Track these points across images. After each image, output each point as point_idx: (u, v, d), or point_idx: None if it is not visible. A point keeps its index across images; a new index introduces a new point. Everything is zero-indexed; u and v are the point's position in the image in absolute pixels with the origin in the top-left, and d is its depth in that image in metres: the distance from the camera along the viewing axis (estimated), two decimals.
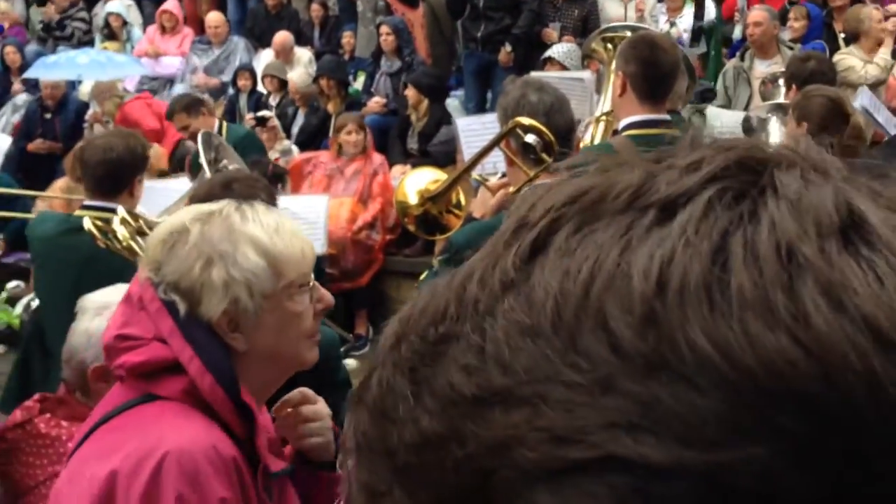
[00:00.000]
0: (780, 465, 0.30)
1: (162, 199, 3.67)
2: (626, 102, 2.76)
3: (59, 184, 6.05)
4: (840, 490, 0.30)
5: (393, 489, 0.34)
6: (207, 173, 3.46)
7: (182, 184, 3.97)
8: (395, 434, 0.34)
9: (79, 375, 1.91)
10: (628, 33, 3.54)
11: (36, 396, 1.98)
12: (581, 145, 3.14)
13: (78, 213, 3.06)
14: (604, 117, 3.34)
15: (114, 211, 2.83)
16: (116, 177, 2.95)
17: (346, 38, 8.04)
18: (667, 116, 2.95)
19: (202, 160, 3.46)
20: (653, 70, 2.73)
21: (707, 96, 5.59)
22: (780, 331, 0.30)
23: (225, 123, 5.23)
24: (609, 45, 3.43)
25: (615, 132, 2.94)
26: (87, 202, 3.03)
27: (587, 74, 4.28)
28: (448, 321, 0.35)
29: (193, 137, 4.81)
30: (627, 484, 0.30)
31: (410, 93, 6.64)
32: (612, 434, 0.30)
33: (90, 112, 7.38)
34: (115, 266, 2.72)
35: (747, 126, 3.78)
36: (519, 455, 0.31)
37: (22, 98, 8.03)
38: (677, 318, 0.31)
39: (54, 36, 8.75)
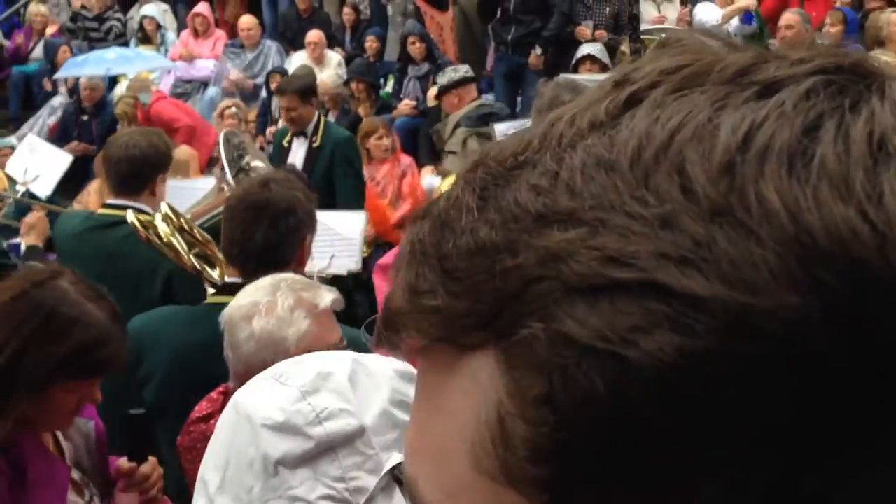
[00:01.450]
0: (813, 317, 0.30)
1: (188, 197, 3.71)
2: None
3: (94, 185, 6.15)
4: (864, 355, 0.31)
5: (436, 289, 0.35)
6: (228, 172, 3.49)
7: (207, 182, 4.01)
8: (451, 241, 0.35)
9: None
10: (650, 35, 3.54)
11: (220, 388, 1.91)
12: None
13: (101, 211, 3.07)
14: None
15: (137, 210, 2.83)
16: (139, 175, 2.93)
17: (370, 41, 8.10)
18: None
19: (223, 159, 3.49)
20: None
21: (488, 119, 5.21)
22: (851, 203, 0.31)
23: (323, 119, 5.16)
24: (637, 47, 3.44)
25: None
26: (110, 200, 3.03)
27: None
28: (529, 151, 0.36)
29: (295, 122, 4.83)
30: (662, 310, 0.31)
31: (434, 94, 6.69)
32: (660, 263, 0.31)
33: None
34: (137, 263, 2.77)
35: None
36: (566, 267, 0.32)
37: (59, 100, 8.16)
38: (753, 172, 0.32)
39: (90, 38, 8.88)
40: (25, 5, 9.14)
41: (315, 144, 4.84)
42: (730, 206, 0.32)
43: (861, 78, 0.35)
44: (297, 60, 8.00)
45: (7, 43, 9.04)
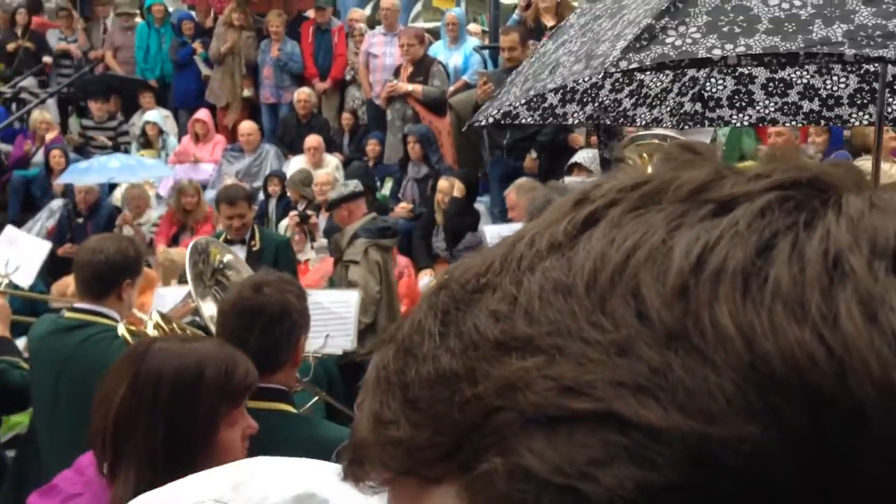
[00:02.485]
0: (773, 450, 0.30)
1: (171, 303, 3.68)
2: None
3: (71, 286, 6.13)
4: (826, 487, 0.30)
5: (399, 419, 0.35)
6: (191, 287, 3.44)
7: (180, 291, 3.94)
8: (414, 368, 0.35)
9: None
10: (656, 141, 3.57)
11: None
12: None
13: (67, 314, 3.03)
14: None
15: (101, 315, 2.81)
16: (103, 279, 2.90)
17: (371, 145, 8.23)
18: None
19: (188, 275, 3.45)
20: None
21: (386, 232, 5.29)
22: (807, 326, 0.31)
23: (257, 228, 5.28)
24: (644, 155, 3.47)
25: None
26: (77, 304, 2.99)
27: None
28: (490, 273, 0.36)
29: (242, 229, 4.86)
30: (621, 442, 0.30)
31: (445, 184, 6.74)
32: (618, 392, 0.31)
33: (121, 216, 7.53)
34: (92, 364, 2.69)
35: None
36: (523, 397, 0.32)
37: (58, 203, 8.23)
38: (707, 295, 0.32)
39: (92, 145, 9.03)
40: (29, 112, 9.33)
41: (255, 248, 4.92)
42: (685, 331, 0.31)
43: (819, 192, 0.34)
44: (295, 164, 8.10)
45: (10, 148, 9.17)
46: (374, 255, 5.18)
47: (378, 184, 7.87)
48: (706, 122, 3.00)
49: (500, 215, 7.00)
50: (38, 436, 2.98)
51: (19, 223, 8.11)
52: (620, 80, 2.74)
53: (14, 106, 9.67)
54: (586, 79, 2.45)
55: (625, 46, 2.16)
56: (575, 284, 0.33)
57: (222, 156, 8.60)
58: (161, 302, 3.70)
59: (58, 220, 7.91)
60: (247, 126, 8.64)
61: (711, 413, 0.30)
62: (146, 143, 9.07)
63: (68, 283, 6.12)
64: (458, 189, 6.91)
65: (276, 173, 8.02)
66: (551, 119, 2.75)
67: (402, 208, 7.47)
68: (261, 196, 7.93)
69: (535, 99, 2.59)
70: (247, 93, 9.24)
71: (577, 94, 2.70)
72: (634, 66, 2.17)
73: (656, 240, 0.33)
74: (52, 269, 7.33)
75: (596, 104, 2.77)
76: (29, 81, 9.84)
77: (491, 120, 2.66)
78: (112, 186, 7.92)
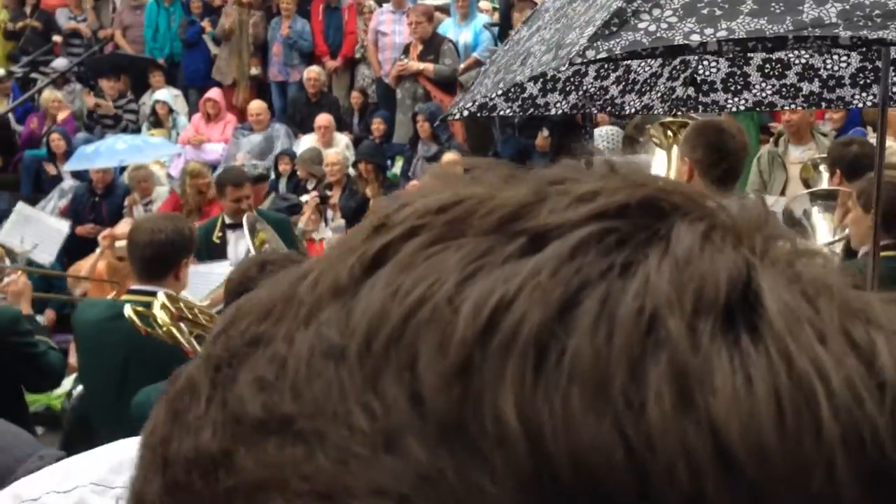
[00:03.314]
0: None
1: (206, 282, 3.70)
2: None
3: (101, 266, 6.16)
4: None
5: None
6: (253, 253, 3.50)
7: (225, 267, 4.01)
8: (177, 441, 0.29)
9: None
10: (668, 119, 3.58)
11: None
12: None
13: (124, 297, 3.06)
14: None
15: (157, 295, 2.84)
16: (163, 259, 2.93)
17: (376, 124, 8.21)
18: None
19: (249, 244, 3.50)
20: (721, 155, 2.74)
21: (293, 210, 5.40)
22: (606, 417, 0.24)
23: (255, 209, 5.29)
24: (668, 132, 3.47)
25: None
26: (134, 286, 3.02)
27: (645, 158, 4.31)
28: (270, 319, 0.29)
29: (246, 211, 4.79)
30: None
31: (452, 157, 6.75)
32: (377, 503, 0.25)
33: (129, 198, 7.56)
34: (162, 351, 2.70)
35: (789, 219, 3.74)
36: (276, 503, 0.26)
37: (68, 184, 8.25)
38: (493, 374, 0.25)
39: (103, 124, 9.04)
40: (40, 91, 9.34)
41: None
42: (462, 422, 0.25)
43: (651, 221, 0.28)
44: (305, 143, 8.10)
45: (21, 128, 9.19)
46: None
47: (389, 162, 7.87)
48: (700, 107, 2.84)
49: None
50: (95, 424, 2.96)
51: (32, 202, 8.15)
52: (605, 66, 2.57)
53: (28, 86, 9.67)
54: (557, 69, 2.27)
55: (592, 34, 1.98)
56: (348, 350, 0.27)
57: (232, 135, 8.61)
58: (203, 280, 3.70)
59: (71, 200, 7.94)
60: (256, 106, 8.64)
61: None
62: (156, 122, 9.08)
63: (81, 266, 6.16)
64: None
65: (286, 152, 8.02)
66: (532, 110, 2.59)
67: (413, 186, 7.48)
68: (271, 175, 7.95)
69: (513, 89, 2.44)
70: (254, 71, 9.23)
71: (558, 82, 2.55)
72: (602, 55, 1.98)
73: (445, 291, 0.26)
74: (69, 246, 7.39)
75: (580, 92, 2.63)
76: (61, 62, 9.83)
77: (466, 113, 2.51)
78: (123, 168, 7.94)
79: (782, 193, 5.46)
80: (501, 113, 2.56)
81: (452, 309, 0.26)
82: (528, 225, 0.28)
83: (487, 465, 0.25)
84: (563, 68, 2.26)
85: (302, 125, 8.54)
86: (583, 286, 0.26)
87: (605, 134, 6.29)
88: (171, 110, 9.14)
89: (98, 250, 6.13)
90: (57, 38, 9.92)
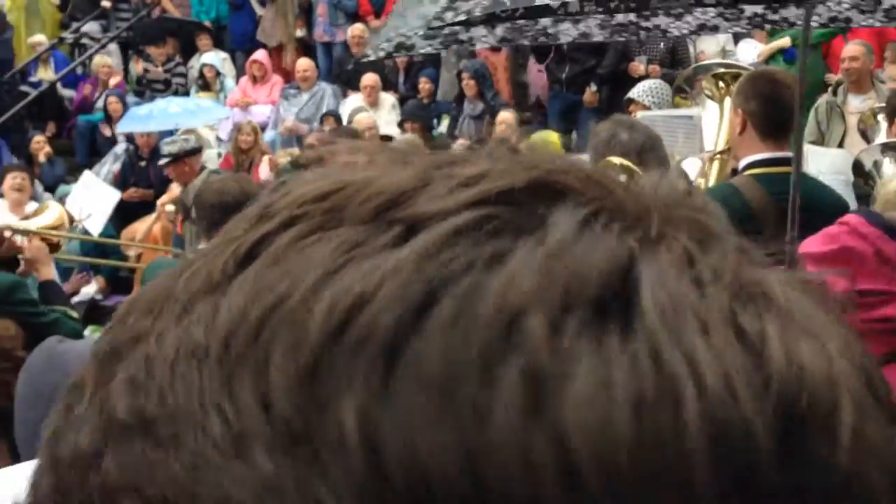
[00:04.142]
0: None
1: None
2: (746, 141, 2.67)
3: (157, 230, 6.27)
4: None
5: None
6: None
7: None
8: (63, 439, 0.28)
9: None
10: (724, 69, 3.47)
11: None
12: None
13: (192, 257, 3.14)
14: (718, 156, 3.23)
15: None
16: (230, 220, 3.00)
17: (423, 83, 8.16)
18: (788, 154, 2.85)
19: None
20: (775, 106, 2.64)
21: None
22: (448, 424, 0.23)
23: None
24: (721, 83, 3.36)
25: (735, 171, 2.84)
26: (202, 246, 3.08)
27: (696, 112, 4.21)
28: (150, 316, 0.28)
29: None
30: None
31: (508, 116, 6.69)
32: None
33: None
34: None
35: (858, 170, 3.62)
36: None
37: (122, 147, 8.38)
38: (340, 379, 0.24)
39: (153, 89, 9.14)
40: (90, 57, 9.46)
41: None
42: (307, 430, 0.24)
43: (539, 205, 0.25)
44: (351, 103, 8.09)
45: (73, 94, 9.34)
46: None
47: (435, 122, 7.82)
48: (641, 32, 2.73)
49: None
50: None
51: (87, 167, 8.31)
52: None
53: (77, 52, 9.80)
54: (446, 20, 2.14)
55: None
56: (210, 350, 0.25)
57: (280, 95, 8.64)
58: None
59: (122, 165, 8.07)
60: (303, 63, 8.64)
61: None
62: (204, 85, 9.15)
63: (135, 229, 6.27)
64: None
65: (331, 112, 8.03)
66: (456, 45, 2.48)
67: (460, 146, 7.42)
68: None
69: (433, 27, 2.31)
70: (300, 33, 9.21)
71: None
72: (461, 17, 1.88)
73: (306, 287, 0.25)
74: (118, 211, 7.54)
75: (507, 25, 2.48)
76: (90, 26, 9.95)
77: (381, 54, 2.41)
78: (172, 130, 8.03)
79: (840, 145, 5.29)
80: (421, 51, 2.45)
81: (307, 308, 0.25)
82: (404, 213, 0.26)
83: (328, 476, 0.23)
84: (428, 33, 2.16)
85: (348, 84, 8.52)
86: (445, 282, 0.24)
87: (649, 88, 6.07)
88: (218, 73, 9.20)
89: (154, 214, 6.23)
90: (106, 3, 10.02)
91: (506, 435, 0.23)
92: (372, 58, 2.45)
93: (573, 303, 0.24)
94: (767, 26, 2.79)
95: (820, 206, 2.75)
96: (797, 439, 0.24)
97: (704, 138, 3.61)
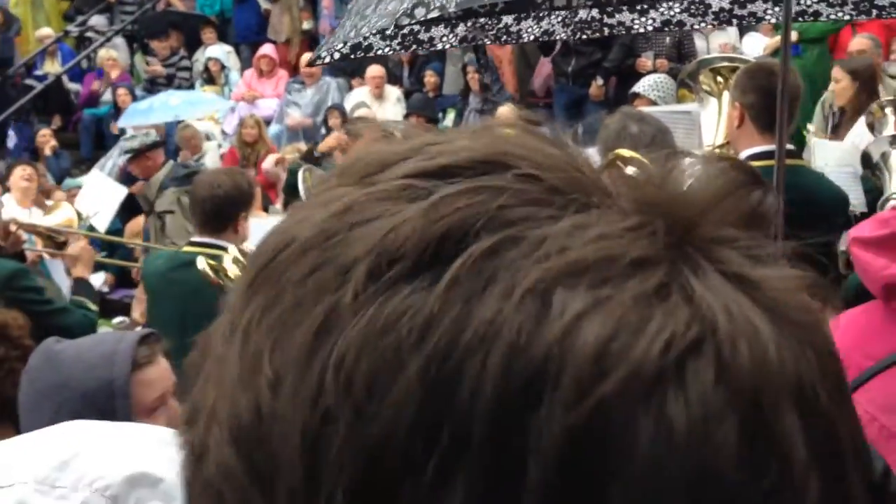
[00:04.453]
0: None
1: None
2: (744, 134, 2.67)
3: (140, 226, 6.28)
4: None
5: None
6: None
7: None
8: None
9: None
10: (725, 63, 3.46)
11: None
12: None
13: (185, 249, 3.13)
14: (717, 150, 3.25)
15: (220, 248, 2.87)
16: (223, 213, 3.01)
17: (429, 76, 8.14)
18: (790, 147, 2.85)
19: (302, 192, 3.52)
20: (772, 99, 2.64)
21: (192, 177, 5.30)
22: (253, 389, 0.31)
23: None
24: (719, 78, 3.35)
25: None
26: (195, 238, 3.10)
27: (694, 107, 4.21)
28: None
29: None
30: None
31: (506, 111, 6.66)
32: None
33: (181, 154, 7.66)
34: (219, 298, 2.78)
35: (866, 162, 3.61)
36: None
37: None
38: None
39: (156, 83, 9.14)
40: (95, 50, 9.45)
41: None
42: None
43: (496, 172, 0.32)
44: (356, 96, 8.08)
45: (79, 87, 9.34)
46: (186, 201, 5.14)
47: (440, 115, 7.81)
48: (605, 29, 2.67)
49: None
50: None
51: (92, 161, 8.31)
52: None
53: (82, 46, 9.80)
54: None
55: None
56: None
57: (285, 89, 8.63)
58: (255, 230, 3.77)
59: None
60: (307, 59, 8.63)
61: None
62: (209, 79, 9.14)
63: (140, 222, 6.27)
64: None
65: (336, 106, 8.02)
66: (415, 47, 2.45)
67: None
68: (322, 130, 7.96)
69: (395, 25, 2.28)
70: (307, 25, 9.19)
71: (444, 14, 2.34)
72: (434, 14, 1.86)
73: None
74: (123, 205, 7.53)
75: (469, 23, 2.46)
76: (96, 20, 9.94)
77: (337, 55, 2.35)
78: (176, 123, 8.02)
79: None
80: (379, 52, 2.43)
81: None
82: (386, 174, 0.34)
83: None
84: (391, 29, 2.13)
85: (353, 76, 8.51)
86: (340, 231, 0.32)
87: (654, 83, 6.03)
88: (223, 67, 9.19)
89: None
90: None
91: (283, 401, 0.30)
92: (326, 60, 2.36)
93: (399, 258, 0.30)
94: (735, 21, 2.70)
95: (819, 199, 2.76)
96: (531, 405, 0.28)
97: (704, 133, 3.61)
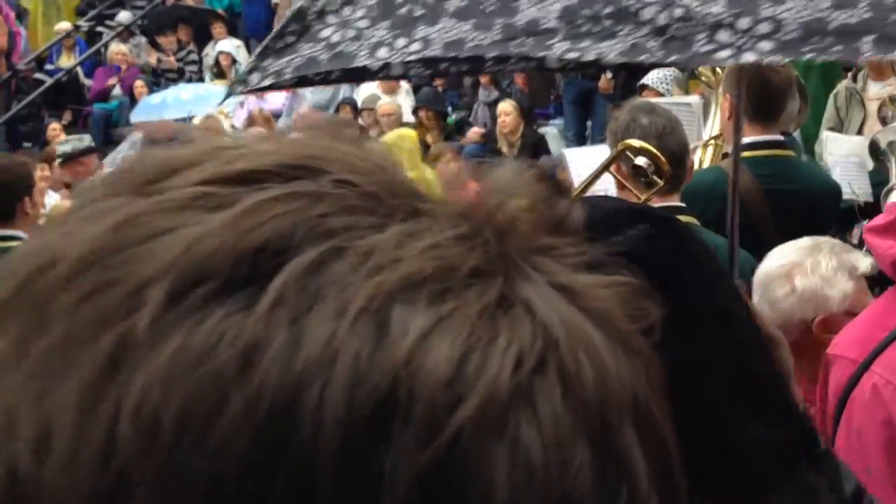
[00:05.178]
0: None
1: None
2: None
3: None
4: None
5: None
6: None
7: None
8: None
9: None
10: None
11: None
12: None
13: None
14: (711, 141, 3.26)
15: (14, 238, 2.81)
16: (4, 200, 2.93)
17: None
18: (779, 137, 2.84)
19: None
20: (762, 90, 2.63)
21: None
22: (5, 454, 0.27)
23: None
24: (718, 69, 3.35)
25: (725, 155, 2.85)
26: None
27: (695, 99, 4.20)
28: None
29: None
30: None
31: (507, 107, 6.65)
32: None
33: None
34: None
35: (874, 150, 3.60)
36: None
37: (139, 134, 8.41)
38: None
39: (167, 77, 9.16)
40: (106, 45, 9.47)
41: None
42: None
43: (310, 178, 0.29)
44: (366, 90, 8.08)
45: (90, 82, 9.36)
46: None
47: (449, 109, 7.81)
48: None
49: (574, 137, 6.88)
50: None
51: (101, 155, 8.33)
52: None
53: (94, 41, 9.81)
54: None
55: (261, 50, 1.63)
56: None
57: None
58: None
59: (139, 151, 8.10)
60: None
61: None
62: (220, 73, 9.15)
63: None
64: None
65: (347, 100, 8.02)
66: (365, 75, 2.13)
67: (475, 133, 7.41)
68: None
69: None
70: None
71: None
72: (267, 83, 1.69)
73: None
74: None
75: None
76: (122, 15, 9.95)
77: (287, 76, 1.94)
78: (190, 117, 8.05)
79: (859, 131, 5.24)
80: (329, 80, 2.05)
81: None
82: (164, 185, 0.31)
83: None
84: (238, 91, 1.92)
85: None
86: (129, 244, 0.29)
87: (663, 75, 5.98)
88: (234, 61, 9.20)
89: None
90: None
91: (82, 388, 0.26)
92: (271, 81, 1.97)
93: (206, 276, 0.27)
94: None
95: (812, 190, 2.78)
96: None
97: (703, 125, 3.61)
